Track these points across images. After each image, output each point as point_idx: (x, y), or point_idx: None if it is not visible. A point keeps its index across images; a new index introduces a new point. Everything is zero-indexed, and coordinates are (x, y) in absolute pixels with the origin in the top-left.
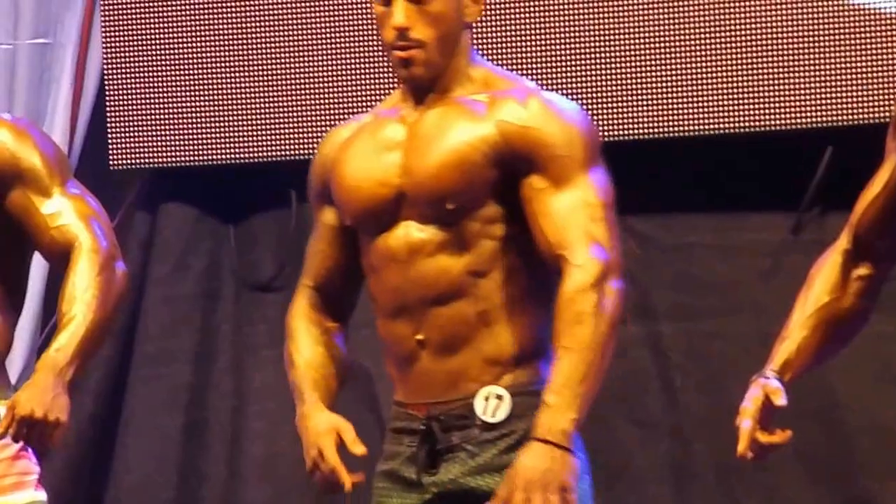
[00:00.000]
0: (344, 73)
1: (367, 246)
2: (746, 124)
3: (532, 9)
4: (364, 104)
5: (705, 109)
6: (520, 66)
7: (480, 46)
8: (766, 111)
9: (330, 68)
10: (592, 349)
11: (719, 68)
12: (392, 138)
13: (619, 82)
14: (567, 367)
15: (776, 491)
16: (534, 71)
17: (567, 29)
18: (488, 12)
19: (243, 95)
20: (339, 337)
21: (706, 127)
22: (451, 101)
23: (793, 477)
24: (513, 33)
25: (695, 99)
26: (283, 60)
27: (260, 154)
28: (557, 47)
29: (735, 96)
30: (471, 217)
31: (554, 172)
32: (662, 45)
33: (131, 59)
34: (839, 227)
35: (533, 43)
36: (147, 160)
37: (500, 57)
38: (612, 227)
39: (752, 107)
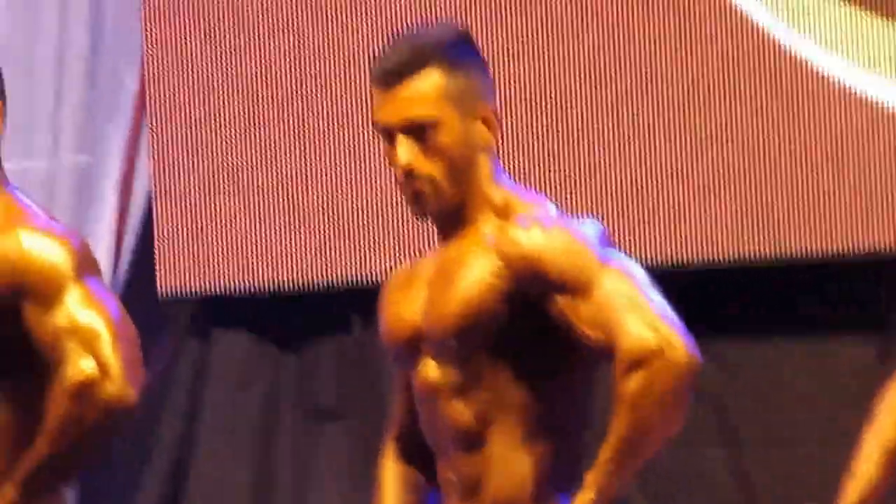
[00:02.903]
0: None
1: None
2: (829, 249)
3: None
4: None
5: (788, 234)
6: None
7: None
8: (850, 235)
9: (393, 190)
10: (627, 432)
11: (801, 192)
12: (421, 276)
13: (703, 208)
14: (601, 451)
15: None
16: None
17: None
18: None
19: (300, 219)
20: (427, 487)
21: (790, 252)
22: (471, 234)
23: None
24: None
25: (777, 224)
26: (342, 181)
27: (318, 280)
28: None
29: (818, 220)
30: (483, 357)
31: (571, 286)
32: (743, 169)
33: (181, 180)
34: None
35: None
36: (198, 288)
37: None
38: (653, 302)
39: (835, 231)
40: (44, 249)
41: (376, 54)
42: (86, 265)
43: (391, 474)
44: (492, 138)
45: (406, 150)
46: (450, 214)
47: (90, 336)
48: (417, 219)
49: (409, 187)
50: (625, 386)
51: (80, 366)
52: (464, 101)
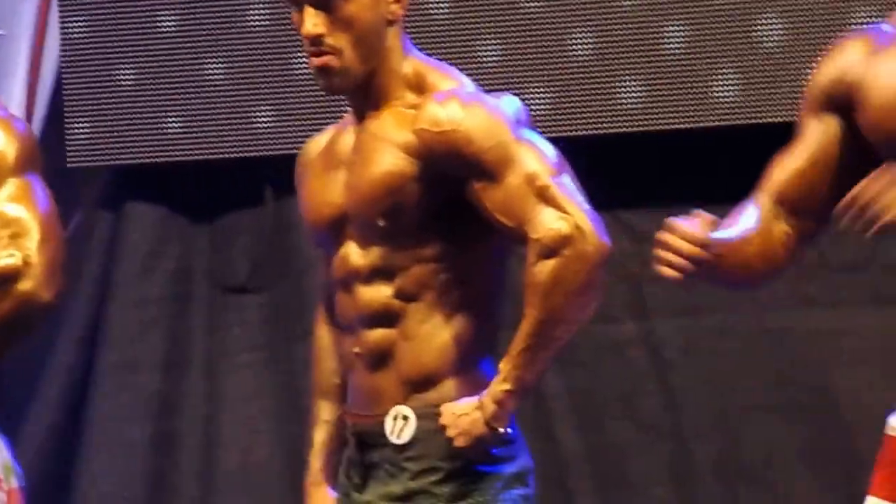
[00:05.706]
0: None
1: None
2: (734, 117)
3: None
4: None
5: (695, 103)
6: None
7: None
8: (754, 104)
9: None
10: (540, 321)
11: (706, 62)
12: (339, 155)
13: (606, 75)
14: (514, 341)
15: (778, 491)
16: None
17: (552, 23)
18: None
19: (213, 87)
20: None
21: (694, 119)
22: (387, 111)
23: (795, 476)
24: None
25: (684, 92)
26: (256, 49)
27: (232, 150)
28: (540, 39)
29: (724, 90)
30: (405, 237)
31: (486, 168)
32: (654, 39)
33: (91, 50)
34: None
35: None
36: (109, 157)
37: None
38: (564, 189)
39: (740, 100)
40: None
41: None
42: (30, 159)
43: (325, 338)
44: (400, 11)
45: (313, 20)
46: (360, 90)
47: (18, 230)
48: (326, 93)
49: (316, 59)
50: (536, 275)
51: (2, 257)
52: None
